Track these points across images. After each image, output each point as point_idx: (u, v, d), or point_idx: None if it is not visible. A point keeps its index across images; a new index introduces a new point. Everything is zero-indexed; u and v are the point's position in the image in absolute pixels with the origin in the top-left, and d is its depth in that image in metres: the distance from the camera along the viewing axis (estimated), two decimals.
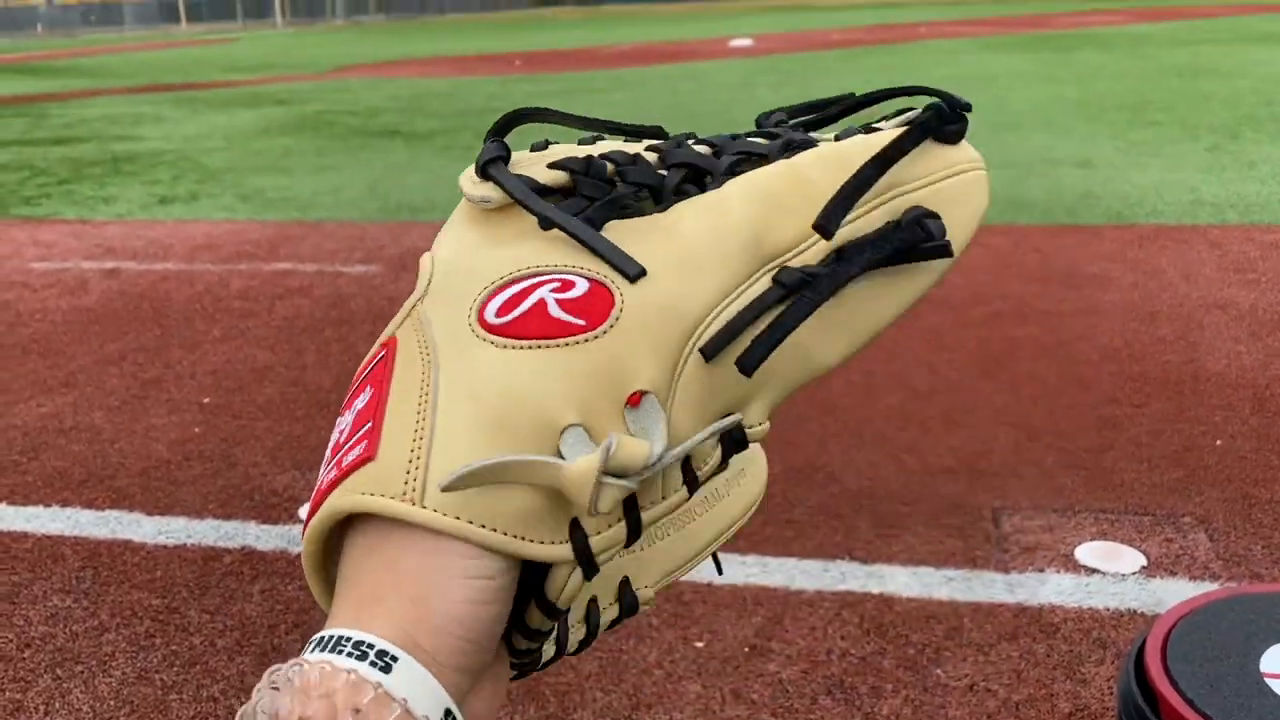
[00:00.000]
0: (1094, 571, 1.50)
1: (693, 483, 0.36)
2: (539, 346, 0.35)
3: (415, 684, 0.31)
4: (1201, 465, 1.79)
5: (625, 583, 0.43)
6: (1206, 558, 1.51)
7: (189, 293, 3.14)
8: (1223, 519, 1.62)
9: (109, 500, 1.84)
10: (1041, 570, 1.50)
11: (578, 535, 0.35)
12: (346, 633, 0.31)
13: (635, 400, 0.35)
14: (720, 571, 0.49)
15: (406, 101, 8.27)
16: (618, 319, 0.35)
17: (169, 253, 3.65)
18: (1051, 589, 1.46)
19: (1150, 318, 2.55)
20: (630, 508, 0.35)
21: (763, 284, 0.37)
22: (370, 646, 0.31)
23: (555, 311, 0.36)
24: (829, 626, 1.40)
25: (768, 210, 0.38)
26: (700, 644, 1.38)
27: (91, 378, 2.46)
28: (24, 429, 2.17)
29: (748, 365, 0.36)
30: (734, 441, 0.37)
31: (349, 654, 0.31)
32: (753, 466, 0.48)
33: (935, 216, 0.39)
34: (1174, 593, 1.42)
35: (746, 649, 1.36)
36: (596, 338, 0.35)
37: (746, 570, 1.53)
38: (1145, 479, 1.76)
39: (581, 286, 0.36)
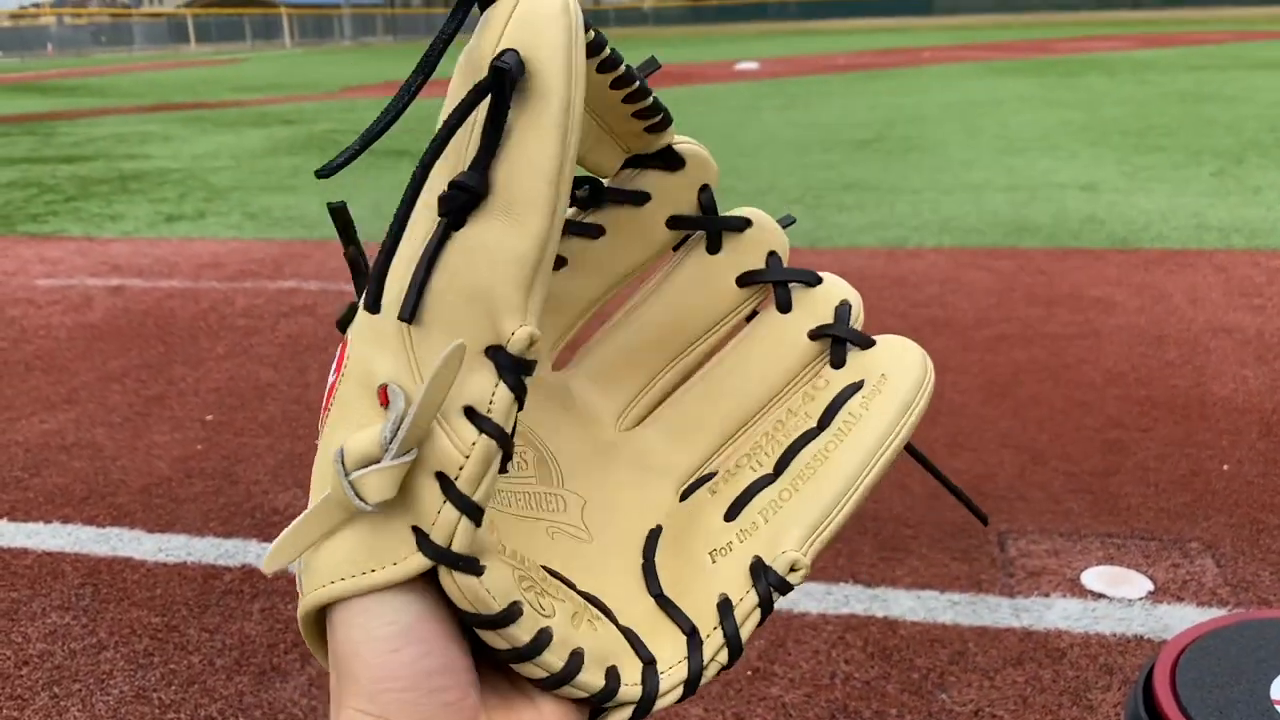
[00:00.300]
0: (1100, 596, 1.48)
1: (494, 431, 0.36)
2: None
3: None
4: (1209, 490, 1.78)
5: (757, 564, 0.42)
6: (1214, 583, 1.50)
7: (193, 310, 3.14)
8: (1230, 544, 1.60)
9: (110, 517, 1.83)
10: (1047, 595, 1.49)
11: (425, 541, 0.36)
12: None
13: (383, 397, 0.37)
14: (985, 521, 0.48)
15: (413, 122, 8.25)
16: (354, 333, 0.38)
17: (174, 270, 3.65)
18: (1058, 614, 1.44)
19: (1156, 342, 2.54)
20: (447, 487, 0.36)
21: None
22: None
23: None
24: (833, 650, 1.39)
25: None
26: None
27: (94, 394, 2.45)
28: (26, 445, 2.17)
29: (403, 313, 0.37)
30: (506, 365, 0.37)
31: None
32: (895, 365, 0.46)
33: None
34: (1181, 618, 1.41)
35: (749, 672, 1.35)
36: (347, 363, 0.38)
37: None
38: (1152, 503, 1.74)
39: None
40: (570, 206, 0.51)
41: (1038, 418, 2.12)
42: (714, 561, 0.43)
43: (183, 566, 1.66)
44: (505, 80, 0.37)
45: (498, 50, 0.38)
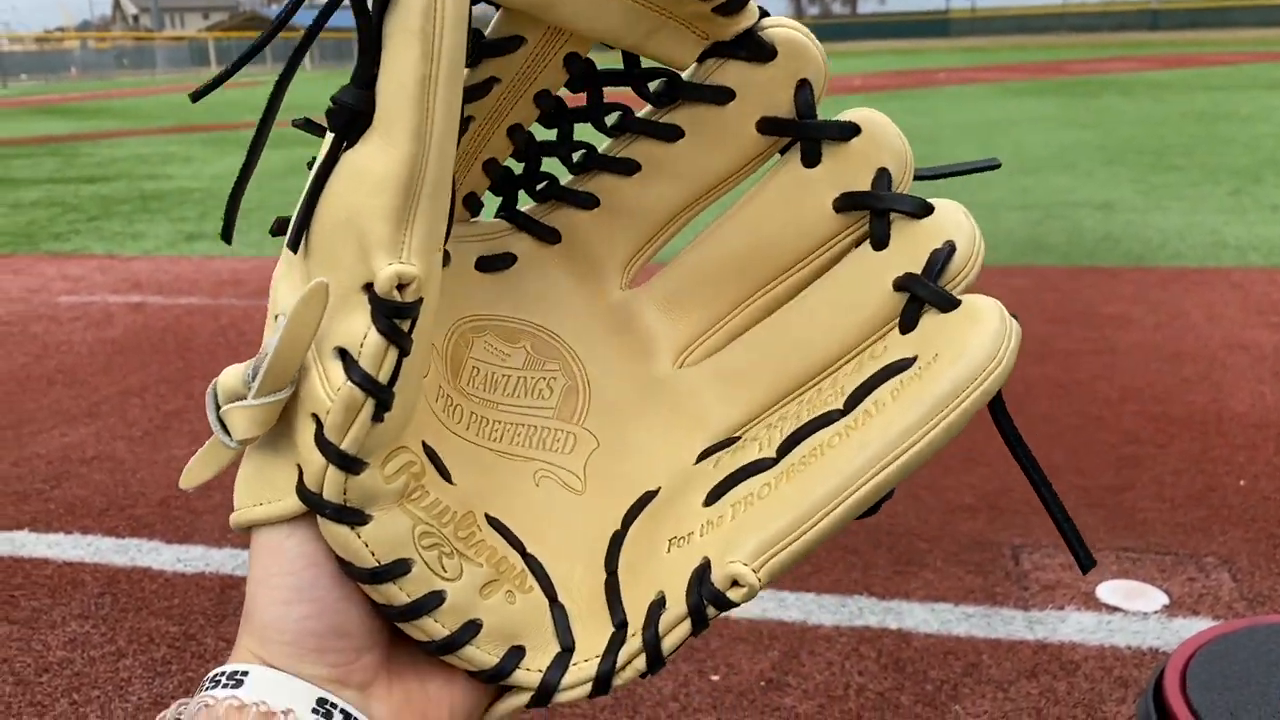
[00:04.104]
0: (1115, 610, 1.48)
1: (360, 379, 0.32)
2: None
3: (267, 687, 0.32)
4: (1225, 505, 1.78)
5: (702, 569, 0.36)
6: (1230, 597, 1.50)
7: (213, 327, 3.17)
8: (1246, 559, 1.60)
9: (129, 528, 1.85)
10: (1062, 608, 1.49)
11: (300, 485, 0.34)
12: (219, 669, 0.33)
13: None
14: (1086, 567, 0.37)
15: None
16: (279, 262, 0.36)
17: (194, 288, 3.69)
18: (1072, 627, 1.44)
19: (1173, 358, 2.53)
20: (318, 433, 0.33)
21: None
22: (225, 674, 0.33)
23: None
24: (846, 661, 1.39)
25: None
26: (716, 677, 1.37)
27: (114, 408, 2.48)
28: (47, 458, 2.19)
29: (290, 240, 0.34)
30: (378, 307, 0.33)
31: (213, 686, 0.32)
32: (956, 343, 0.36)
33: None
34: (1196, 632, 1.40)
35: (763, 683, 1.35)
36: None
37: (763, 604, 1.53)
38: (1167, 518, 1.74)
39: None
40: (645, 104, 0.45)
41: (1051, 433, 2.12)
42: (668, 551, 0.38)
43: (200, 576, 1.67)
44: None
45: None
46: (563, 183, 0.46)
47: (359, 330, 0.32)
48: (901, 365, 0.36)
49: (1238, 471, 1.90)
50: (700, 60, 0.43)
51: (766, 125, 0.42)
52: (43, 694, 1.38)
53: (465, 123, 0.42)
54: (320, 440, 0.32)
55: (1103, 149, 6.34)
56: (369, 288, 0.32)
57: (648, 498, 0.41)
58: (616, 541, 0.40)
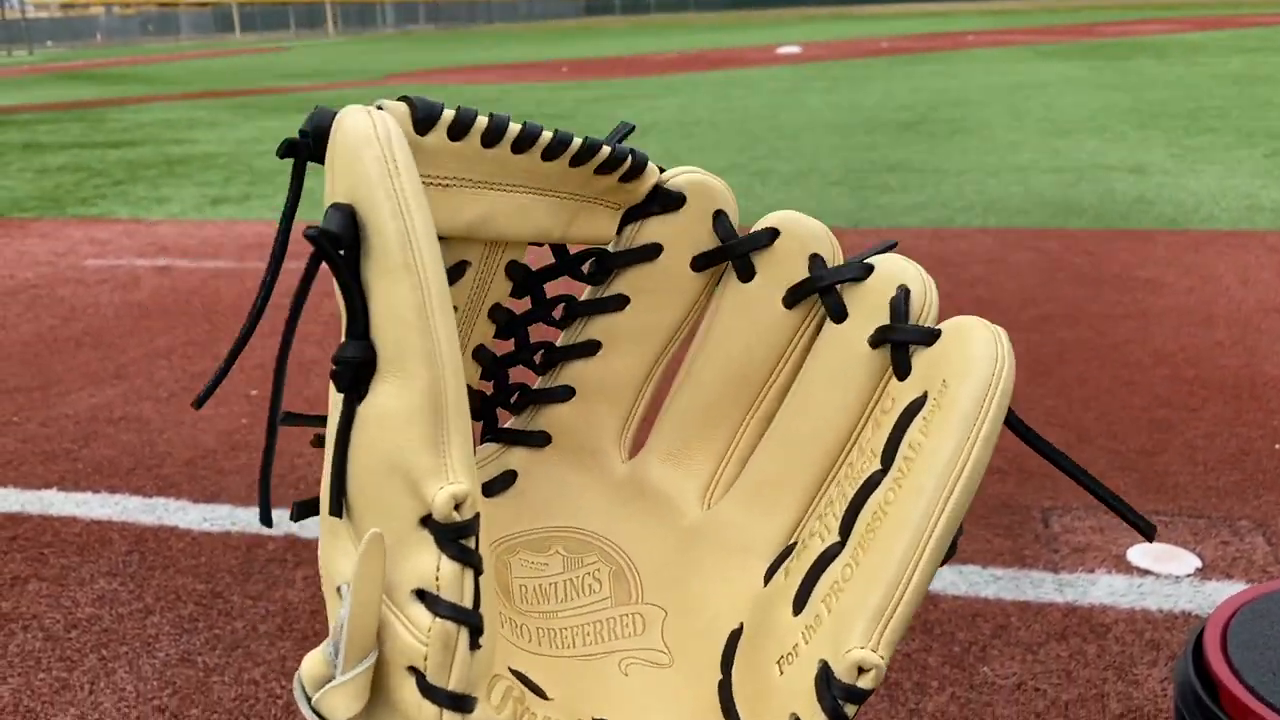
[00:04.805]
0: (1147, 573, 1.46)
1: (448, 611, 0.32)
2: None
3: None
4: (1259, 469, 1.75)
5: (823, 672, 0.34)
6: (1265, 561, 1.47)
7: (239, 289, 3.18)
8: None
9: (156, 488, 1.86)
10: (1092, 571, 1.47)
11: None
12: None
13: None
14: (1149, 534, 0.38)
15: (454, 107, 8.33)
16: (320, 533, 0.37)
17: (220, 251, 3.70)
18: (1103, 589, 1.42)
19: (1206, 322, 2.49)
20: (420, 682, 0.32)
21: None
22: None
23: None
24: None
25: None
26: None
27: (141, 370, 2.49)
28: (75, 418, 2.20)
29: (331, 508, 0.36)
30: (442, 535, 0.32)
31: None
32: (957, 365, 0.36)
33: None
34: (1230, 595, 1.38)
35: None
36: (320, 565, 0.36)
37: None
38: (1200, 482, 1.71)
39: None
40: (587, 284, 0.47)
41: (1083, 397, 2.09)
42: (782, 673, 0.37)
43: (227, 536, 1.68)
44: (322, 247, 0.34)
45: (324, 207, 0.35)
46: (534, 386, 0.48)
47: (429, 565, 0.32)
48: (916, 405, 0.37)
49: (1272, 435, 1.87)
50: (620, 231, 0.45)
51: (699, 261, 0.44)
52: (72, 649, 1.39)
53: None
54: (425, 688, 0.32)
55: (1135, 111, 6.23)
56: (425, 521, 0.32)
57: (735, 637, 0.41)
58: (726, 690, 0.39)
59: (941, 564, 0.36)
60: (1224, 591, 1.40)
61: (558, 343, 0.47)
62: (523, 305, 0.48)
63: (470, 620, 0.32)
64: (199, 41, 34.13)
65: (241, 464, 1.94)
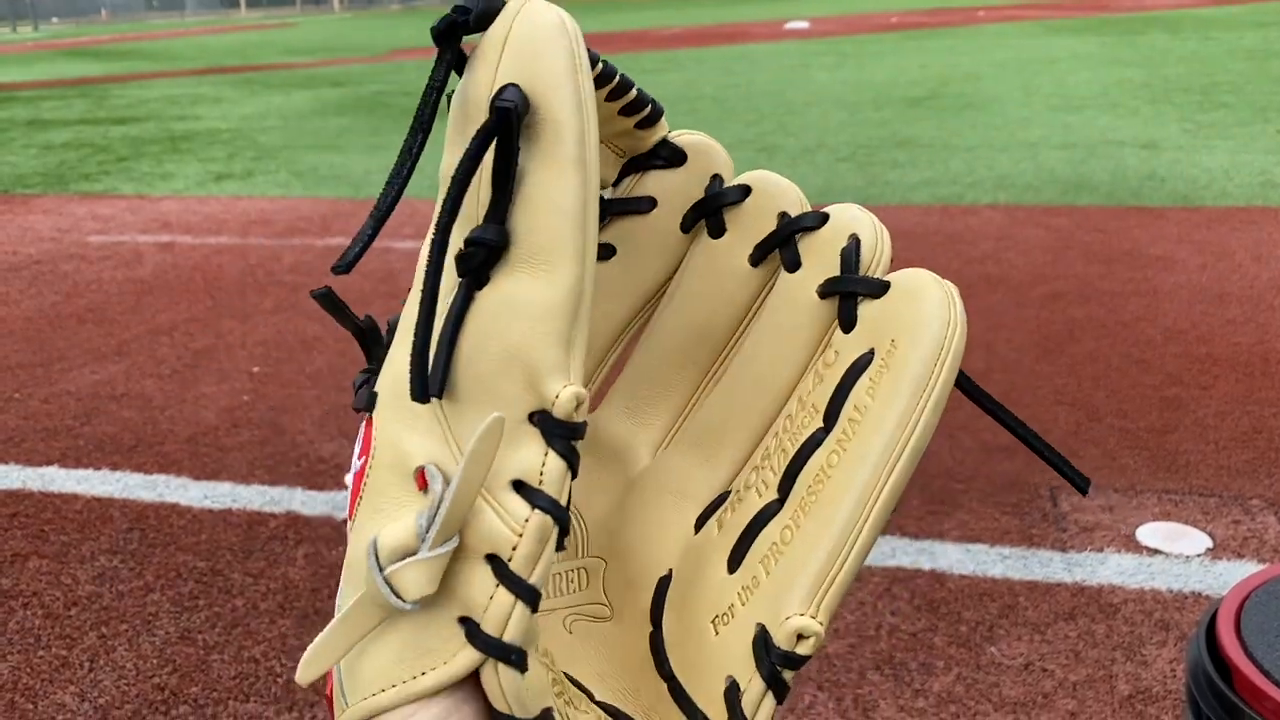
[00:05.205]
0: (1156, 552, 1.44)
1: (548, 505, 0.32)
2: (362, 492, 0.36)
3: None
4: (1271, 447, 1.72)
5: (761, 636, 0.35)
6: (1277, 540, 1.45)
7: (241, 266, 3.16)
8: None
9: (157, 465, 1.85)
10: (1101, 550, 1.45)
11: (475, 633, 0.32)
12: None
13: (420, 481, 0.33)
14: (1083, 488, 0.38)
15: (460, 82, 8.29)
16: (380, 413, 0.35)
17: (223, 227, 3.68)
18: (1112, 569, 1.41)
19: (1218, 299, 2.46)
20: (500, 570, 0.32)
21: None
22: None
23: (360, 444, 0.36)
24: (879, 602, 1.36)
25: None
26: None
27: (144, 347, 2.48)
28: (77, 395, 2.19)
29: (432, 387, 0.34)
30: (555, 431, 0.33)
31: None
32: (906, 322, 0.36)
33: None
34: (1241, 575, 1.36)
35: None
36: (375, 446, 0.35)
37: None
38: (1211, 460, 1.69)
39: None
40: None
41: (1093, 375, 2.07)
42: (717, 632, 0.37)
43: (228, 513, 1.67)
44: (510, 120, 0.34)
45: (495, 86, 0.34)
46: None
47: (535, 459, 0.32)
48: (863, 363, 0.36)
49: None
50: (618, 182, 0.44)
51: (685, 221, 0.44)
52: (72, 627, 1.38)
53: None
54: (508, 578, 0.32)
55: (1147, 87, 6.17)
56: (536, 416, 0.33)
57: (663, 586, 0.40)
58: (657, 645, 0.39)
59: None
60: (1235, 571, 1.38)
61: None
62: None
63: (563, 520, 0.33)
64: (204, 18, 34.02)
65: (243, 440, 1.93)
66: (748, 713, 0.35)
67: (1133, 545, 1.46)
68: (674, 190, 0.44)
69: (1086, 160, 4.09)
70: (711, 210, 0.43)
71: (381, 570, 0.32)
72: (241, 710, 1.20)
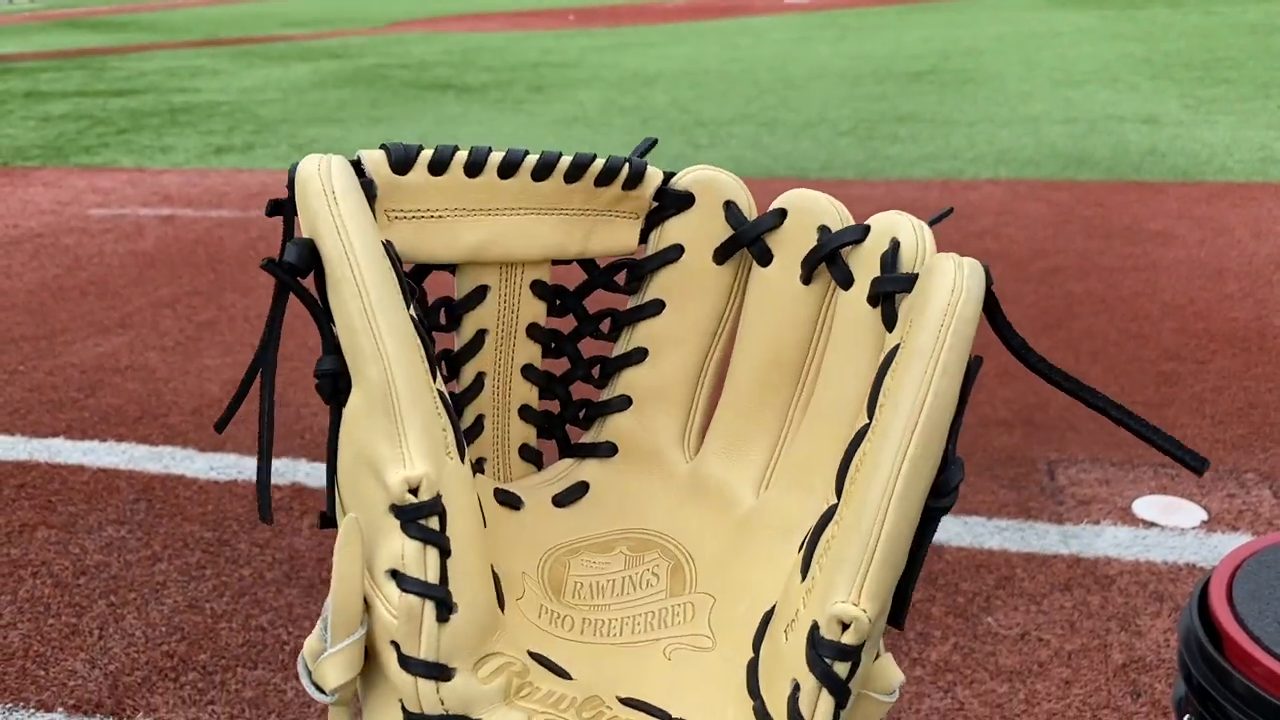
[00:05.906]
0: (1152, 525, 1.46)
1: (413, 586, 0.35)
2: None
3: None
4: (1267, 422, 1.74)
5: (812, 635, 0.36)
6: (1271, 513, 1.47)
7: (243, 239, 3.17)
8: None
9: (163, 436, 1.87)
10: (1098, 522, 1.47)
11: (404, 710, 0.36)
12: None
13: None
14: (1199, 469, 0.40)
15: (459, 55, 8.26)
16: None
17: (224, 200, 3.68)
18: (1107, 541, 1.42)
19: (1216, 274, 2.47)
20: (399, 653, 0.35)
21: None
22: None
23: None
24: None
25: None
26: None
27: (147, 319, 2.49)
28: (81, 367, 2.21)
29: (327, 509, 0.41)
30: (404, 517, 0.36)
31: None
32: (920, 305, 0.36)
33: None
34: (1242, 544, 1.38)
35: None
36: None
37: None
38: (1208, 434, 1.71)
39: None
40: (623, 295, 0.49)
41: (1091, 349, 2.08)
42: (786, 639, 0.37)
43: (234, 484, 1.68)
44: (277, 271, 0.37)
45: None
46: (596, 401, 0.50)
47: (398, 547, 0.35)
48: (894, 353, 0.37)
49: None
50: (645, 239, 0.47)
51: (720, 254, 0.45)
52: (81, 596, 1.40)
53: (455, 365, 0.46)
54: (402, 659, 0.35)
55: (1148, 62, 6.15)
56: (393, 507, 0.35)
57: (768, 617, 0.41)
58: (751, 672, 0.40)
59: (943, 511, 0.35)
60: (1229, 544, 1.40)
61: (611, 355, 0.50)
62: (570, 324, 0.50)
63: (435, 594, 0.35)
64: None
65: (248, 412, 1.94)
66: (804, 712, 0.35)
67: (1129, 518, 1.48)
68: (694, 230, 0.45)
69: (1087, 135, 4.09)
70: (749, 240, 0.45)
71: (310, 675, 0.36)
72: (249, 677, 1.22)
